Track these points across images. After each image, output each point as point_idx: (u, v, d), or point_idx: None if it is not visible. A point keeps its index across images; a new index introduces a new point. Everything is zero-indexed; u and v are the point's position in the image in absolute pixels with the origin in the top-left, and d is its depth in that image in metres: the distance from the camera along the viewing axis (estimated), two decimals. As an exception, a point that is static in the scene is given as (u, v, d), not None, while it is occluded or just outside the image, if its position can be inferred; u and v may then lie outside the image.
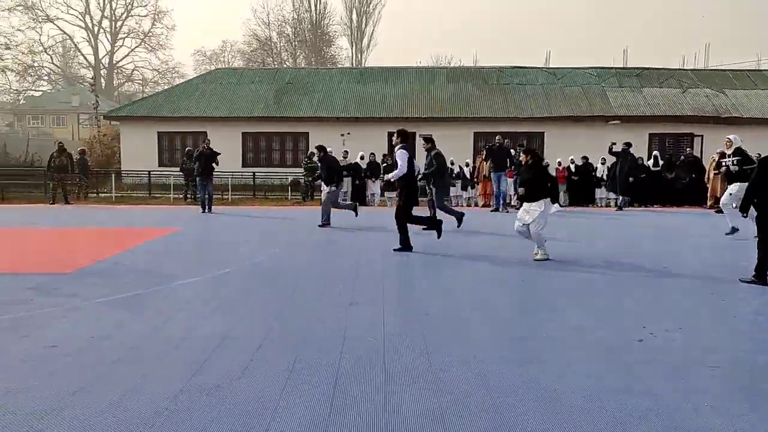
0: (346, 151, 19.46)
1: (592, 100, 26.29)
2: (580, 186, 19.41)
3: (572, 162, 19.63)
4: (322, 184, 12.17)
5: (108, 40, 59.26)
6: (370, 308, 5.60)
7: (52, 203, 17.84)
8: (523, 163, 8.17)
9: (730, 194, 10.37)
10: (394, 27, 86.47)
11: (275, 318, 5.32)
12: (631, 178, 16.46)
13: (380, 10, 62.67)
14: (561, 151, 21.14)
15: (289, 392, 3.57)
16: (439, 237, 9.19)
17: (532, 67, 29.38)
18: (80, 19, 57.59)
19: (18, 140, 35.86)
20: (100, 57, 59.46)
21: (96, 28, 58.22)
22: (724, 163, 10.65)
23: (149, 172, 23.85)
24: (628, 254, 9.00)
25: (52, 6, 58.79)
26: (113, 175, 24.62)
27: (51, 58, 58.91)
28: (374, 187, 19.01)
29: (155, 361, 4.12)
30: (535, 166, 8.16)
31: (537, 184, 8.03)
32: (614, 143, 16.80)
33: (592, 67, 29.00)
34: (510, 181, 16.14)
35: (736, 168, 10.27)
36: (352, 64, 56.84)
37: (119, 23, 58.46)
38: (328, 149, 12.65)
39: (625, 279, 7.08)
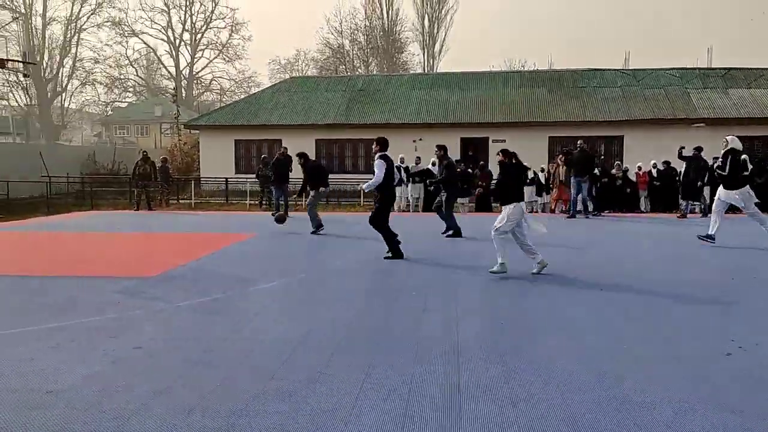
0: (419, 157, 19.42)
1: (674, 102, 25.28)
2: (662, 192, 18.67)
3: (654, 167, 18.92)
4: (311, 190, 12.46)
5: (188, 51, 61.67)
6: (443, 315, 5.56)
7: (136, 209, 18.63)
8: (498, 163, 7.77)
9: (720, 200, 9.85)
10: (467, 31, 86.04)
11: (350, 323, 5.36)
12: (699, 183, 15.82)
13: (452, 15, 62.17)
14: (642, 156, 20.43)
15: (363, 399, 3.58)
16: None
17: (609, 69, 28.53)
18: (163, 33, 60.24)
19: (105, 149, 37.74)
20: (181, 68, 61.97)
21: (177, 41, 60.71)
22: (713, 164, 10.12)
23: (226, 179, 24.64)
24: (713, 263, 8.58)
25: (138, 21, 61.93)
26: (193, 182, 25.56)
27: (136, 70, 62.03)
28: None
29: (233, 365, 4.23)
30: (506, 166, 7.69)
31: (505, 185, 7.62)
32: (683, 147, 16.15)
33: (673, 68, 27.86)
34: (585, 186, 15.64)
35: (717, 171, 9.74)
36: (424, 70, 56.86)
37: (199, 35, 60.73)
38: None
39: (710, 289, 6.74)
